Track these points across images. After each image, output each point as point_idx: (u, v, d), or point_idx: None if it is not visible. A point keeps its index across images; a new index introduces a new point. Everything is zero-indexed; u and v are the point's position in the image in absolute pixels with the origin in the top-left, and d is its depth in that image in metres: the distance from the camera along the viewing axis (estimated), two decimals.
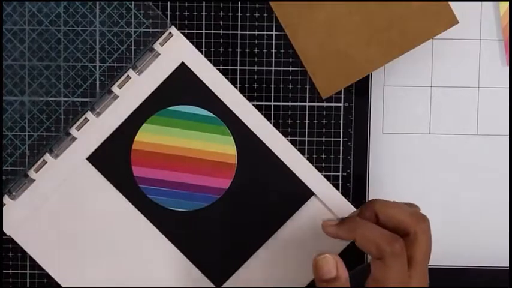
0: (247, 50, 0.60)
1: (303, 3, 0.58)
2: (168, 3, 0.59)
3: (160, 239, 0.60)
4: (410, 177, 0.61)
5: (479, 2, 0.60)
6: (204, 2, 0.59)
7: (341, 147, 0.61)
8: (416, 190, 0.61)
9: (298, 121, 0.60)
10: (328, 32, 0.59)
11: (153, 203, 0.60)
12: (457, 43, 0.60)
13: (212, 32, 0.60)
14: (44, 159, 0.59)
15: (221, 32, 0.60)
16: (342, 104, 0.60)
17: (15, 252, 0.60)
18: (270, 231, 0.60)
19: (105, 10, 0.59)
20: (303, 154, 0.60)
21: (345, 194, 0.61)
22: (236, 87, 0.60)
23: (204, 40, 0.60)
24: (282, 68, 0.60)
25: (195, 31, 0.60)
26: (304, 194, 0.60)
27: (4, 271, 0.60)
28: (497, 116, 0.61)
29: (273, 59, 0.60)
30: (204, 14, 0.59)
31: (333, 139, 0.61)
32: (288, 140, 0.60)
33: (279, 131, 0.59)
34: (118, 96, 0.59)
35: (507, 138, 0.61)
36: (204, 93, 0.59)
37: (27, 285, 0.61)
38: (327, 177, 0.60)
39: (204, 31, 0.60)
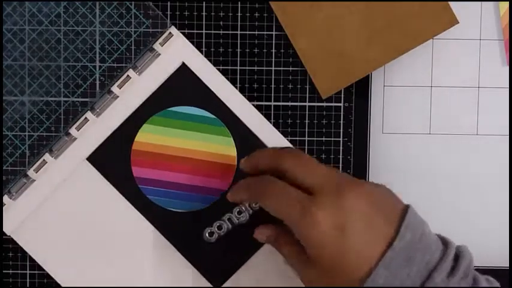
0: (247, 50, 0.60)
1: (303, 3, 0.58)
2: (168, 3, 0.59)
3: (160, 239, 0.60)
4: (410, 177, 0.61)
5: (479, 2, 0.60)
6: (204, 2, 0.59)
7: (341, 147, 0.61)
8: (416, 190, 0.61)
9: (298, 121, 0.60)
10: (328, 32, 0.59)
11: (153, 203, 0.60)
12: (457, 43, 0.60)
13: (212, 32, 0.60)
14: (44, 159, 0.59)
15: (221, 32, 0.60)
16: (342, 104, 0.60)
17: (15, 252, 0.60)
18: None
19: (105, 10, 0.59)
20: None
21: None
22: (236, 87, 0.60)
23: (204, 40, 0.60)
24: (282, 68, 0.60)
25: (195, 31, 0.60)
26: None
27: (4, 271, 0.60)
28: (497, 116, 0.61)
29: (273, 59, 0.60)
30: (204, 14, 0.59)
31: (333, 139, 0.61)
32: (288, 140, 0.60)
33: (279, 131, 0.59)
34: (118, 96, 0.59)
35: (507, 138, 0.61)
36: (204, 94, 0.59)
37: (27, 285, 0.61)
38: None
39: (204, 31, 0.60)
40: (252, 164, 0.54)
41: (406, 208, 0.50)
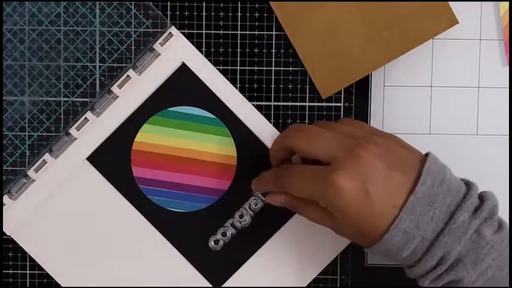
0: (247, 50, 0.60)
1: (303, 3, 0.58)
2: (168, 3, 0.59)
3: (160, 240, 0.60)
4: None
5: (479, 2, 0.60)
6: (204, 2, 0.59)
7: None
8: None
9: (298, 121, 0.60)
10: (328, 32, 0.59)
11: (153, 203, 0.60)
12: (457, 43, 0.60)
13: (212, 32, 0.60)
14: (44, 159, 0.59)
15: (221, 32, 0.60)
16: (342, 104, 0.60)
17: (15, 252, 0.60)
18: (270, 232, 0.60)
19: (105, 10, 0.59)
20: None
21: None
22: (236, 87, 0.60)
23: (204, 40, 0.60)
24: (282, 68, 0.60)
25: (195, 31, 0.60)
26: None
27: (4, 271, 0.60)
28: (497, 116, 0.61)
29: (273, 59, 0.60)
30: (204, 14, 0.59)
31: None
32: None
33: (279, 131, 0.59)
34: (118, 96, 0.59)
35: (507, 138, 0.61)
36: (204, 94, 0.59)
37: (27, 285, 0.61)
38: None
39: (204, 31, 0.60)
40: (273, 158, 0.56)
41: (425, 156, 0.51)
